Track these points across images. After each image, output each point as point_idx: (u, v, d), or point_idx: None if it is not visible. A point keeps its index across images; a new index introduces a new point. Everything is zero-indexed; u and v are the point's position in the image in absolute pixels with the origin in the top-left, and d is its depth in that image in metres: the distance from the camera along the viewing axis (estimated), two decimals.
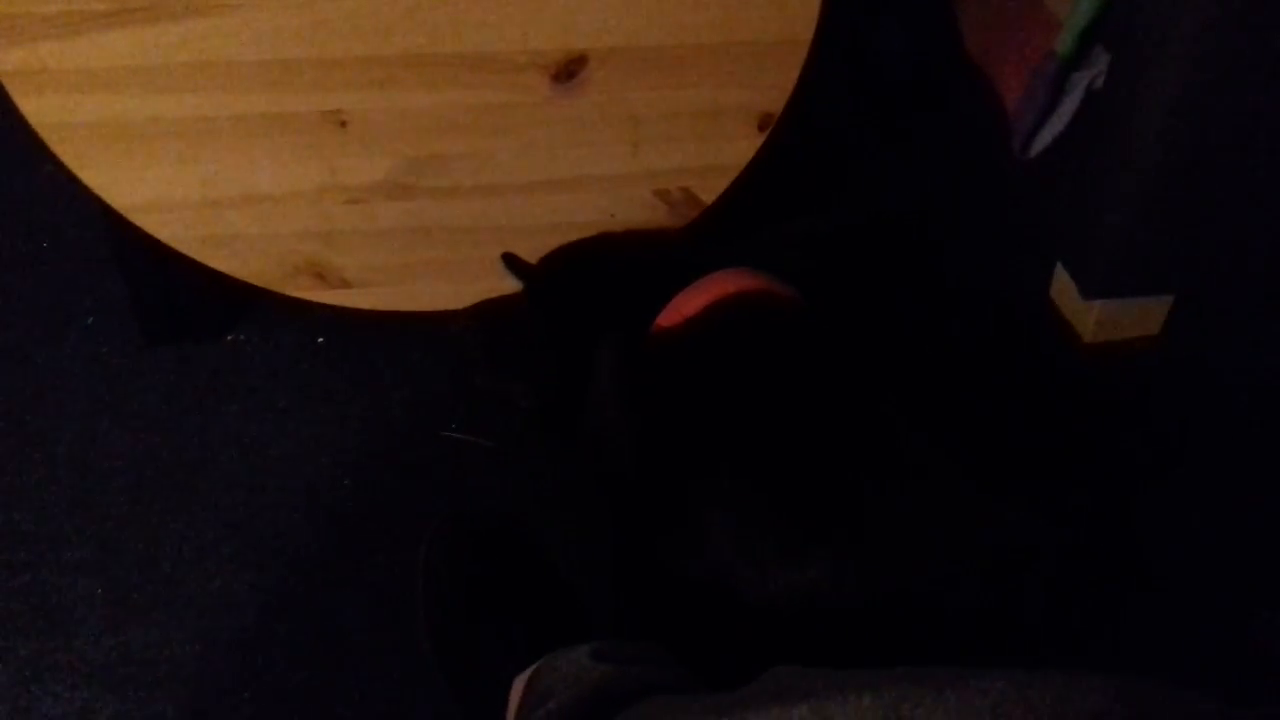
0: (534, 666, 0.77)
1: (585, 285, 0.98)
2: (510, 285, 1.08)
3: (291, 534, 1.05)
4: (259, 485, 1.09)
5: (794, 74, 1.03)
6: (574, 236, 1.08)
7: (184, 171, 1.00)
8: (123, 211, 1.01)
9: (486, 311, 1.08)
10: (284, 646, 0.98)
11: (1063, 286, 1.22)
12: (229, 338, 1.21)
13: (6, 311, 1.23)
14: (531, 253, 1.09)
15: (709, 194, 1.09)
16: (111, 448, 1.11)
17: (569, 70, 1.00)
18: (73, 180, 0.99)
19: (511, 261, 1.07)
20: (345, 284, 1.10)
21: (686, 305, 0.86)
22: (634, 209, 1.09)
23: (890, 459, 0.75)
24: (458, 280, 1.11)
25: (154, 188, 1.01)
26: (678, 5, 0.97)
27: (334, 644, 0.98)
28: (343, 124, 1.00)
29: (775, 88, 1.04)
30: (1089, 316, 1.19)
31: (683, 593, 0.77)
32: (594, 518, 0.95)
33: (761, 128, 1.06)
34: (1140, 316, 1.21)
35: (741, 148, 1.07)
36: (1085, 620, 0.95)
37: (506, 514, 0.98)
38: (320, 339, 1.21)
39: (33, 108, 0.95)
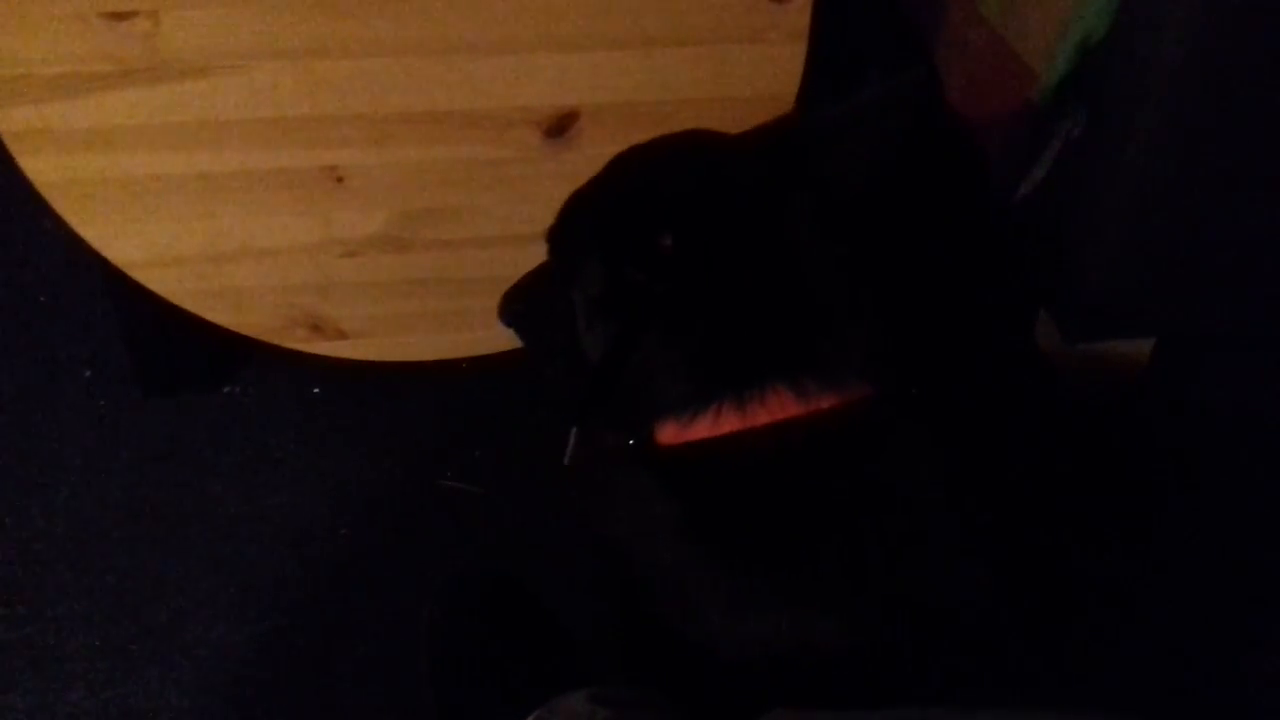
0: (534, 714, 0.78)
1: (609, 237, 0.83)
2: (505, 337, 1.10)
3: (288, 583, 1.06)
4: (256, 535, 1.09)
5: None
6: None
7: (183, 227, 1.02)
8: (122, 267, 1.03)
9: (529, 288, 0.94)
10: (281, 696, 0.98)
11: (1046, 328, 1.23)
12: (225, 389, 1.22)
13: (5, 364, 1.24)
14: None
15: None
16: (109, 499, 1.12)
17: (560, 126, 1.02)
18: (72, 235, 1.00)
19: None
20: (342, 335, 1.11)
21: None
22: None
23: (886, 510, 0.75)
24: (453, 331, 1.13)
25: (154, 243, 1.02)
26: (667, 63, 1.00)
27: (331, 693, 0.98)
28: (340, 179, 1.02)
29: None
30: (1071, 357, 1.21)
31: (681, 650, 0.77)
32: (598, 576, 0.94)
33: None
34: (1123, 358, 1.22)
35: None
36: (1076, 653, 0.96)
37: (508, 570, 0.98)
38: (316, 389, 1.23)
39: (34, 166, 0.97)
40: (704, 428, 0.75)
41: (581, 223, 0.87)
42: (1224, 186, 1.05)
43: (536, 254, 1.09)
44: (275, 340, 1.10)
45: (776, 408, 0.74)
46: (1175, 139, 1.01)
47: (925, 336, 0.95)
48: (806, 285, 0.78)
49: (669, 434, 0.76)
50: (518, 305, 0.92)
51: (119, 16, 0.92)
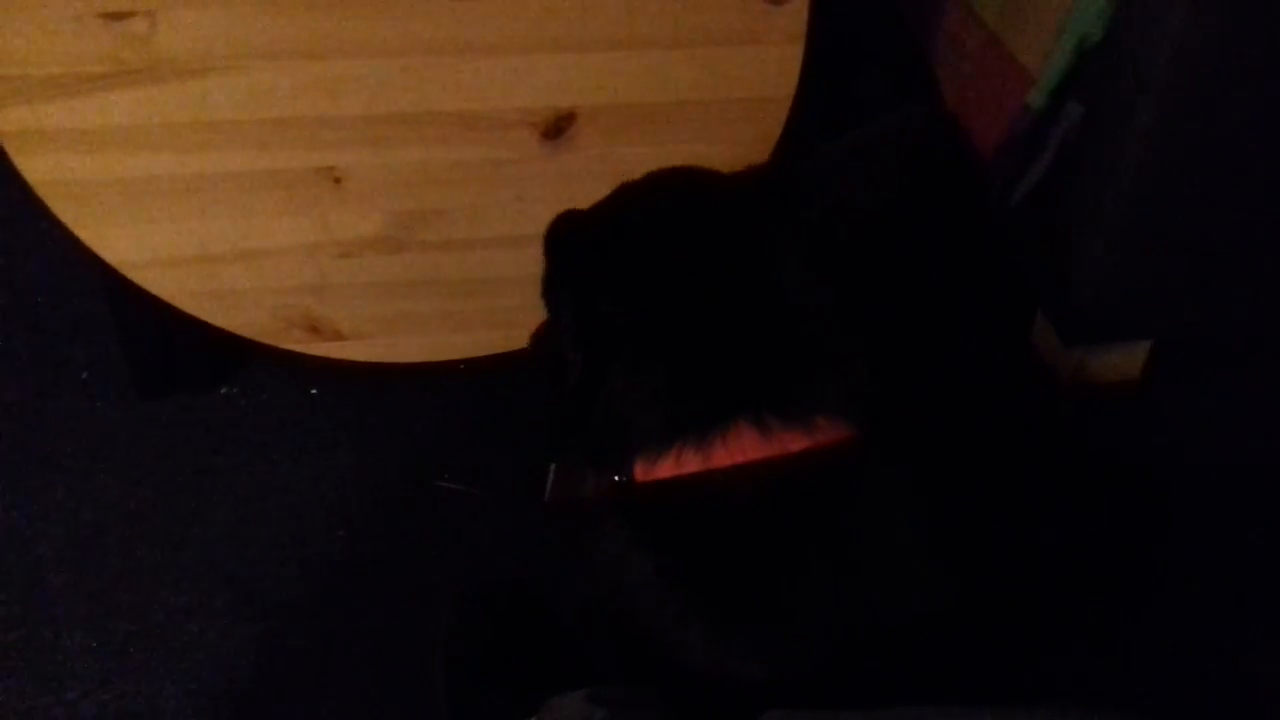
0: (533, 718, 0.78)
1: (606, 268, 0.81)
2: (502, 338, 1.09)
3: (285, 585, 1.06)
4: (253, 537, 1.09)
5: (777, 128, 1.06)
6: None
7: (180, 228, 1.02)
8: (119, 267, 1.03)
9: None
10: (278, 698, 0.98)
11: (1043, 331, 1.24)
12: (222, 390, 1.22)
13: (3, 366, 1.23)
14: (522, 305, 1.11)
15: None
16: (105, 500, 1.12)
17: (558, 127, 1.02)
18: (69, 236, 1.00)
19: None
20: (338, 336, 1.11)
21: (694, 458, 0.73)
22: None
23: (864, 561, 0.72)
24: (450, 332, 1.13)
25: (151, 244, 1.02)
26: (664, 64, 1.00)
27: (328, 693, 0.98)
28: (337, 180, 1.02)
29: (759, 141, 1.07)
30: (1069, 360, 1.21)
31: (669, 670, 0.76)
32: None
33: None
34: (1120, 360, 1.23)
35: None
36: (1076, 655, 0.96)
37: (522, 579, 0.98)
38: (313, 390, 1.22)
39: (31, 166, 0.97)
40: (668, 467, 0.72)
41: (559, 253, 0.86)
42: (1219, 189, 1.05)
43: (533, 255, 1.09)
44: (272, 341, 1.10)
45: (739, 448, 0.71)
46: (1171, 142, 1.01)
47: (912, 375, 0.93)
48: (784, 323, 0.75)
49: (639, 473, 0.74)
50: (536, 335, 0.91)
51: (116, 17, 0.92)
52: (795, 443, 0.71)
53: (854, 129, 0.83)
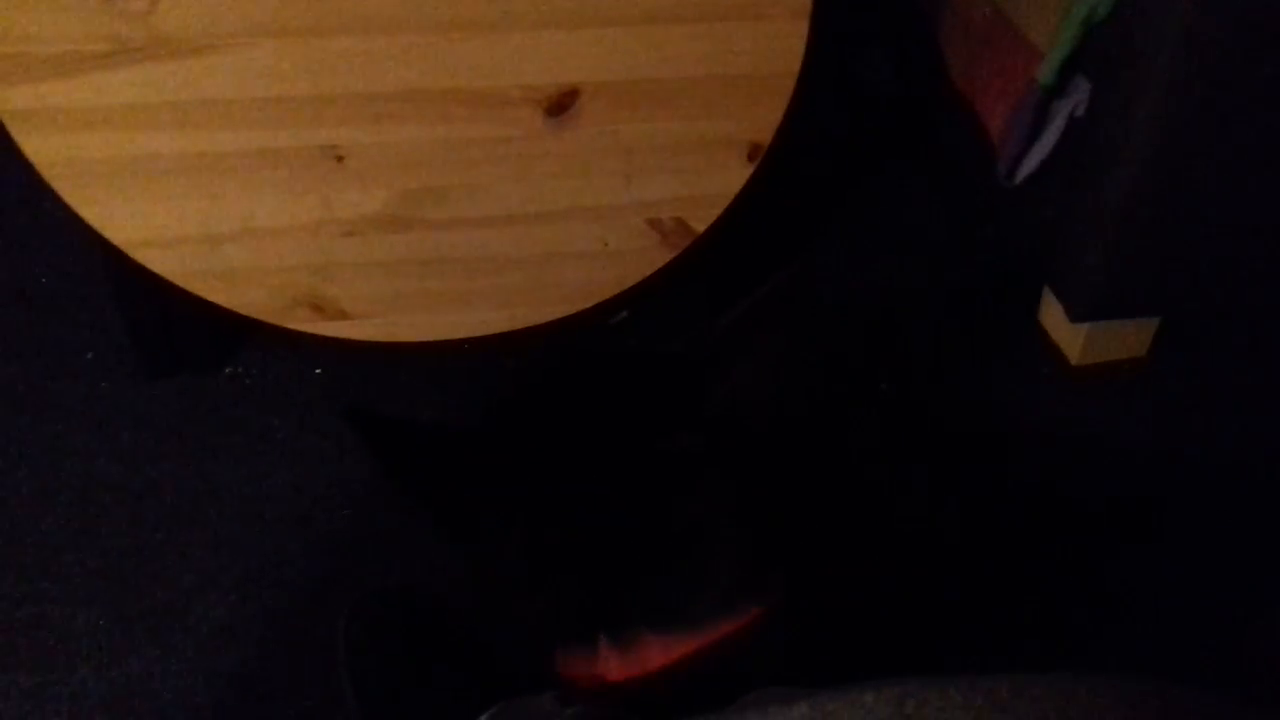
0: (490, 711, 0.75)
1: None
2: (504, 317, 1.08)
3: (292, 564, 1.06)
4: (259, 516, 1.09)
5: (782, 106, 1.05)
6: (568, 266, 1.10)
7: (183, 207, 1.01)
8: (122, 247, 1.02)
9: None
10: (286, 676, 0.98)
11: (1050, 310, 1.23)
12: (227, 370, 1.22)
13: (6, 347, 1.24)
14: (526, 282, 1.11)
15: (700, 223, 1.11)
16: (112, 481, 1.12)
17: (561, 104, 1.02)
18: (72, 216, 1.00)
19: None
20: (343, 315, 1.10)
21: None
22: (627, 238, 1.10)
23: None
24: (454, 311, 1.12)
25: (153, 223, 1.02)
26: (668, 40, 0.99)
27: (335, 674, 0.98)
28: (339, 158, 1.02)
29: (764, 119, 1.06)
30: (1076, 339, 1.21)
31: None
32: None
33: (751, 158, 1.08)
34: (1127, 339, 1.22)
35: (731, 178, 1.09)
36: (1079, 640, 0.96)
37: (423, 587, 0.99)
38: (318, 370, 1.23)
39: (34, 146, 0.96)
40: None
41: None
42: (1229, 165, 1.05)
43: (537, 233, 1.09)
44: (276, 321, 1.10)
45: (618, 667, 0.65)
46: (1180, 117, 1.00)
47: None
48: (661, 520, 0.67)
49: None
50: None
51: None
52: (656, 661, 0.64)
53: (735, 306, 0.75)
